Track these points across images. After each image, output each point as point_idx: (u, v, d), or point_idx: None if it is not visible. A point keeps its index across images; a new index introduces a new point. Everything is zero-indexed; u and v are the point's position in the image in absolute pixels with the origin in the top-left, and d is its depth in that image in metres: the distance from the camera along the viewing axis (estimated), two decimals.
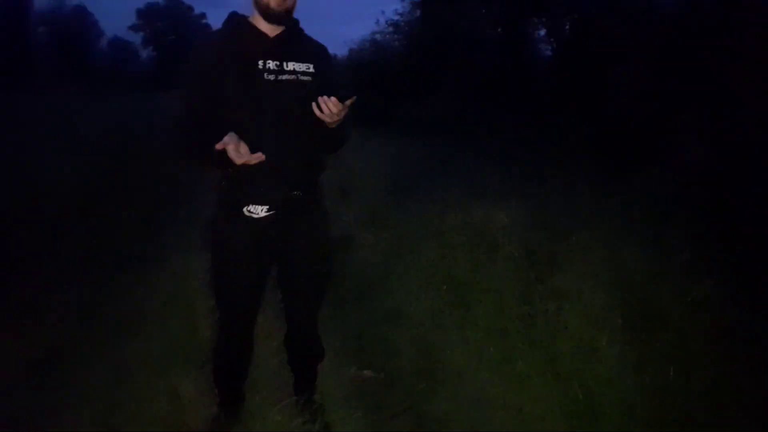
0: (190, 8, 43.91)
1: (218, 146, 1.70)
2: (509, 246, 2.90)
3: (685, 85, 5.77)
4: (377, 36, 14.95)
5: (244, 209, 1.91)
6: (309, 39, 1.99)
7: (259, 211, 1.90)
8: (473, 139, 7.88)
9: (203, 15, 44.00)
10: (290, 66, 1.88)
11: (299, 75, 1.89)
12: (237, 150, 1.69)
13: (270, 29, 1.88)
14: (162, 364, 2.59)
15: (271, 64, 1.85)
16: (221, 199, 1.98)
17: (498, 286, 2.83)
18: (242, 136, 1.75)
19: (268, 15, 1.84)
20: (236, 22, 1.92)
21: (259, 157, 1.71)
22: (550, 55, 11.61)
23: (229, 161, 1.72)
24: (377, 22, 14.87)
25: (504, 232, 2.98)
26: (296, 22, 1.95)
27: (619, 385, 1.99)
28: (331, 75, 1.99)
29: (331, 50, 2.10)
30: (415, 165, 7.09)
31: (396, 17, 14.38)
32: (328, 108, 1.74)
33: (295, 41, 1.92)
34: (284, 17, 1.85)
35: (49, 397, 2.55)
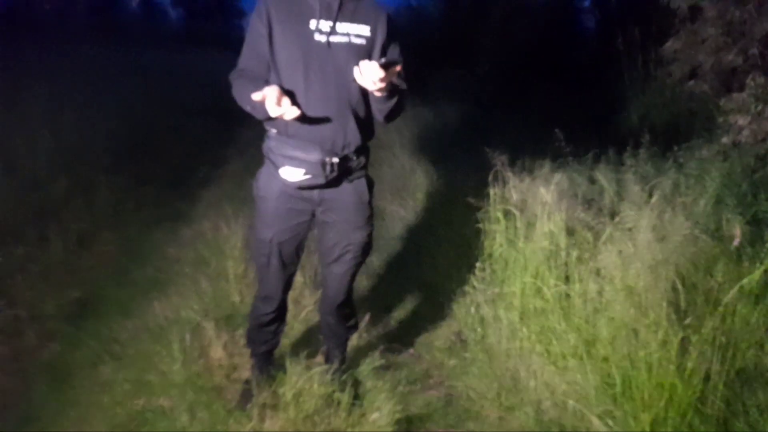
0: None
1: (254, 96, 1.65)
2: (549, 223, 2.79)
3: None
4: (412, 2, 14.65)
5: (281, 170, 1.86)
6: (369, 1, 1.89)
7: (295, 174, 1.85)
8: (513, 108, 7.66)
9: None
10: (344, 28, 1.81)
11: (352, 37, 1.82)
12: (274, 101, 1.64)
13: None
14: (194, 325, 2.59)
15: (324, 25, 1.78)
16: (265, 156, 1.94)
17: (536, 264, 2.74)
18: (290, 96, 1.71)
19: None
20: None
21: (294, 111, 1.65)
22: (595, 23, 11.21)
23: (266, 113, 1.69)
24: None
25: (544, 208, 2.86)
26: None
27: (659, 370, 1.91)
28: (391, 40, 1.90)
29: None
30: (450, 133, 6.94)
31: None
32: (369, 73, 1.66)
33: (351, 2, 1.83)
34: None
35: (82, 350, 2.58)
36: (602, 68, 8.02)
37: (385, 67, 1.66)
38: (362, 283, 3.45)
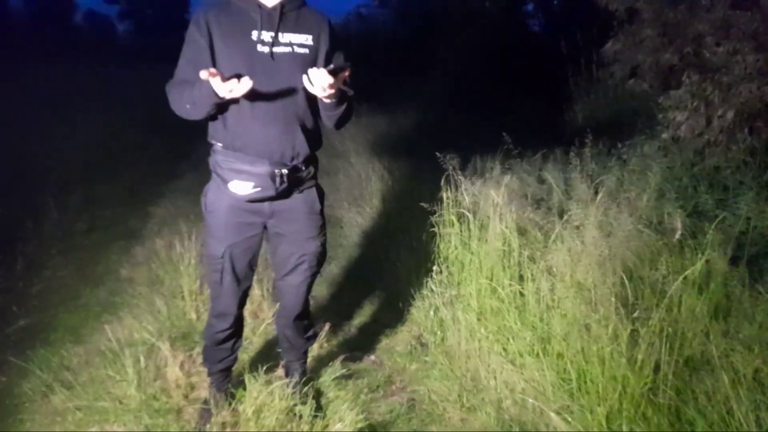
0: None
1: (201, 74, 1.59)
2: (501, 224, 2.85)
3: None
4: (362, 10, 14.73)
5: (230, 185, 1.85)
6: (310, 10, 1.91)
7: (244, 187, 1.84)
8: (465, 113, 7.81)
9: None
10: (286, 38, 1.81)
11: (295, 47, 1.83)
12: (220, 79, 1.59)
13: (269, 0, 1.80)
14: (149, 346, 2.53)
15: (266, 36, 1.79)
16: (212, 171, 1.92)
17: (490, 265, 2.80)
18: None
19: None
20: None
21: (246, 82, 1.61)
22: (540, 27, 11.55)
23: (207, 106, 1.69)
24: None
25: (496, 209, 2.93)
26: None
27: (611, 363, 1.98)
28: (335, 48, 1.92)
29: None
30: (404, 140, 7.00)
31: None
32: (318, 80, 1.67)
33: (293, 12, 1.84)
34: None
35: (31, 380, 2.48)
36: (548, 71, 8.26)
37: (333, 73, 1.67)
38: (321, 292, 3.45)
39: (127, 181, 5.65)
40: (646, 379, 1.96)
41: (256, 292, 2.94)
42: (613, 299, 2.06)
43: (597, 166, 4.09)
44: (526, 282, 2.53)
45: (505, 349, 2.49)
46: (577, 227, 2.55)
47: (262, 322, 2.87)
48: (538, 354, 2.29)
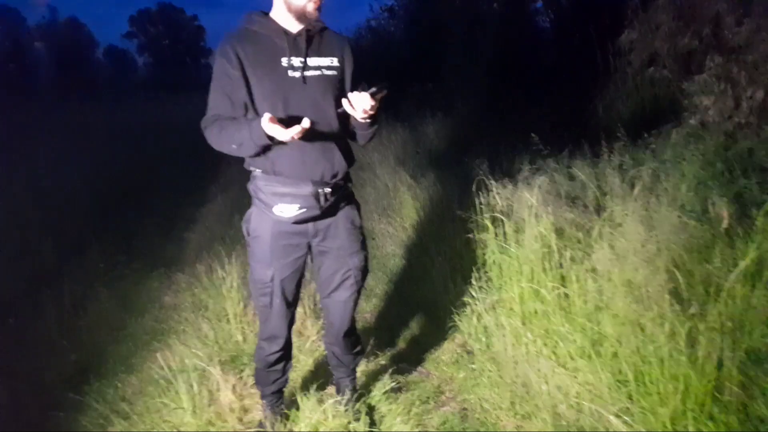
0: (182, 11, 43.72)
1: (266, 125, 1.64)
2: (538, 225, 2.82)
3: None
4: (372, 23, 14.84)
5: (274, 209, 1.88)
6: (331, 33, 1.95)
7: (290, 210, 1.87)
8: (484, 117, 7.78)
9: (195, 17, 43.85)
10: (314, 61, 1.85)
11: (324, 70, 1.87)
12: (280, 127, 1.65)
13: (292, 26, 1.84)
14: (199, 372, 2.57)
15: (295, 61, 1.82)
16: (253, 197, 1.95)
17: (530, 267, 2.77)
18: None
19: (303, 18, 1.83)
20: (256, 21, 1.87)
21: (305, 122, 1.66)
22: (549, 23, 11.45)
23: (254, 149, 1.74)
24: (371, 8, 14.74)
25: (530, 211, 2.90)
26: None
27: (671, 362, 1.93)
28: (356, 67, 1.96)
29: None
30: (427, 147, 7.01)
31: (390, 1, 14.23)
32: (361, 104, 1.71)
33: (317, 36, 1.88)
34: (316, 19, 1.85)
35: (88, 414, 2.53)
36: (563, 67, 8.19)
37: (374, 95, 1.71)
38: (361, 306, 3.46)
39: (160, 209, 5.79)
40: (709, 376, 1.90)
41: (298, 309, 2.96)
42: (666, 296, 2.01)
43: (627, 159, 4.03)
44: (570, 283, 2.50)
45: (554, 353, 2.45)
46: (620, 224, 2.50)
47: (307, 339, 2.89)
48: (590, 356, 2.25)
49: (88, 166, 6.28)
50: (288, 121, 1.74)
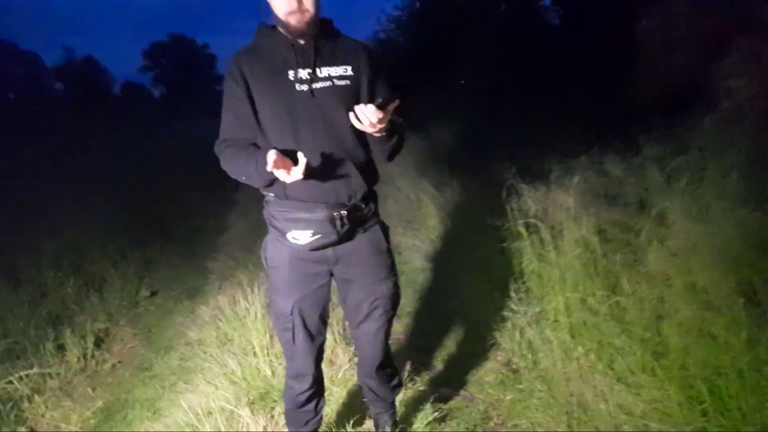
0: (193, 41, 44.54)
1: (271, 164, 1.49)
2: (578, 229, 2.62)
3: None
4: (381, 34, 14.81)
5: (288, 235, 1.71)
6: (345, 39, 1.78)
7: (304, 236, 1.70)
8: (503, 119, 7.56)
9: (206, 45, 44.60)
10: (324, 71, 1.68)
11: (335, 80, 1.69)
12: (283, 169, 1.51)
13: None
14: (227, 414, 2.41)
15: (303, 73, 1.66)
16: (268, 224, 1.80)
17: (574, 275, 2.56)
18: (282, 154, 1.57)
19: (291, 31, 1.67)
20: (263, 34, 1.73)
21: (302, 165, 1.51)
22: (560, 18, 11.24)
23: (264, 180, 1.63)
24: (379, 20, 14.71)
25: (568, 213, 2.70)
26: (329, 22, 1.75)
27: (752, 374, 1.70)
28: (377, 74, 1.78)
29: None
30: (445, 156, 6.82)
31: (396, 12, 14.18)
32: (367, 117, 1.53)
33: (328, 44, 1.71)
34: (307, 30, 1.66)
35: None
36: (578, 60, 7.96)
37: (381, 107, 1.53)
38: (393, 327, 3.26)
39: (180, 239, 5.70)
40: None
41: (327, 336, 2.79)
42: (741, 301, 1.78)
43: (660, 149, 3.79)
44: (622, 290, 2.28)
45: (611, 368, 2.24)
46: (671, 222, 2.28)
47: (339, 369, 2.71)
48: (653, 370, 2.03)
49: (106, 198, 6.25)
50: (294, 143, 1.62)
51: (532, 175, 3.76)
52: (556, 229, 2.83)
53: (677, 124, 4.11)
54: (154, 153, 10.46)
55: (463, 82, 10.33)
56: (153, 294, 4.35)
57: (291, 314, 1.80)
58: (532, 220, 2.93)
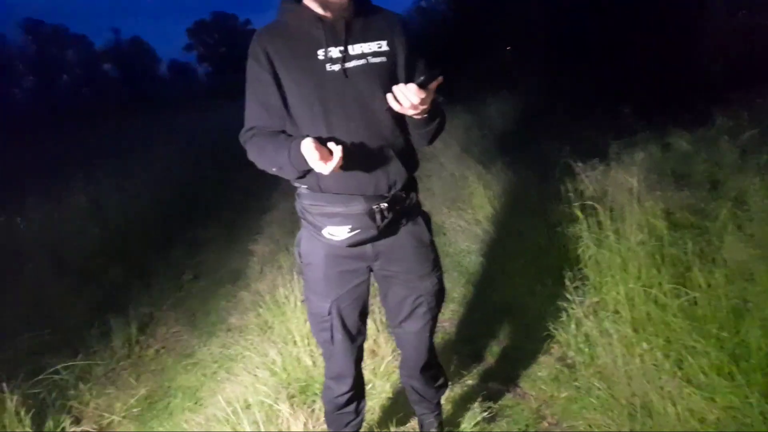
0: (235, 17, 44.92)
1: (315, 160, 1.37)
2: (642, 212, 2.38)
3: None
4: (422, 2, 14.46)
5: (324, 231, 1.57)
6: (377, 10, 1.60)
7: (341, 232, 1.56)
8: (551, 95, 7.17)
9: (248, 21, 44.94)
10: (357, 49, 1.51)
11: (369, 57, 1.52)
12: (323, 159, 1.37)
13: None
14: (267, 407, 2.33)
15: (333, 51, 1.49)
16: (301, 218, 1.67)
17: (637, 263, 2.33)
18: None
19: (327, 5, 1.49)
20: (287, 9, 1.57)
21: (338, 155, 1.37)
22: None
23: (295, 172, 1.50)
24: None
25: (631, 194, 2.45)
26: None
27: None
28: (412, 50, 1.60)
29: None
30: (491, 133, 6.55)
31: None
32: (408, 98, 1.36)
33: (359, 17, 1.54)
34: (348, 5, 1.50)
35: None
36: (639, 23, 7.39)
37: (422, 85, 1.36)
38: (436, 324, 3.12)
39: (223, 220, 5.69)
40: None
41: (369, 324, 2.67)
42: None
43: (734, 121, 3.45)
44: (693, 282, 2.05)
45: (679, 368, 2.03)
46: (753, 204, 2.02)
47: (381, 360, 2.59)
48: (730, 373, 1.81)
49: (150, 181, 6.31)
50: (326, 129, 1.48)
51: (588, 152, 3.50)
52: (616, 212, 2.59)
53: (753, 92, 3.73)
54: (200, 132, 10.56)
55: (508, 48, 9.86)
56: (196, 278, 4.34)
57: (328, 315, 1.67)
58: (589, 202, 2.70)
